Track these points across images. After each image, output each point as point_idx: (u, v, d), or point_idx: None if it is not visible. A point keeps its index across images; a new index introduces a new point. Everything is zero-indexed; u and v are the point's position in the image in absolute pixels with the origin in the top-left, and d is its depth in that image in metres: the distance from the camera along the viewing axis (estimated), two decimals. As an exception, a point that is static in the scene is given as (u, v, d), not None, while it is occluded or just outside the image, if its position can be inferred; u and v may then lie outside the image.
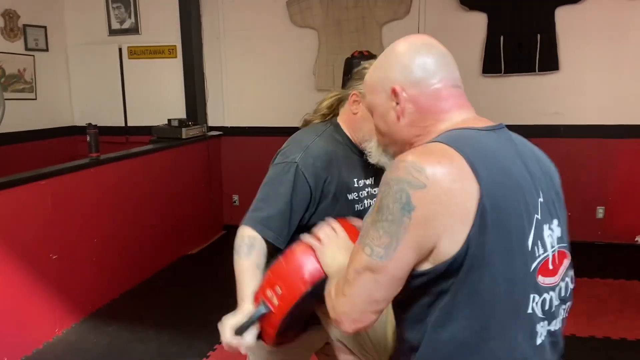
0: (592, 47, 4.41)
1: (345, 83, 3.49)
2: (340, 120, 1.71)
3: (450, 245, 0.94)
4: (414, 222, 0.93)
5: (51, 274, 3.12)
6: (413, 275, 0.99)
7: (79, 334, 3.23)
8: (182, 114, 5.12)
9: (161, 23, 5.12)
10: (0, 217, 2.77)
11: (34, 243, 3.00)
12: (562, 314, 1.09)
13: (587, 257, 4.40)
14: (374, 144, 1.50)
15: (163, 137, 4.68)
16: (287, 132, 5.73)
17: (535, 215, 1.01)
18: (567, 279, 1.09)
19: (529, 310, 1.00)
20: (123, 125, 5.27)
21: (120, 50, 5.20)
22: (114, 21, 5.18)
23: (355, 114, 1.64)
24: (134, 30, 5.16)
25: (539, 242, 1.02)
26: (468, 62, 4.64)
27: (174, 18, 5.05)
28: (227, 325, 1.30)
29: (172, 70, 5.15)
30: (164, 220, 4.31)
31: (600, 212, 4.62)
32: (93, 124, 3.48)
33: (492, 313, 0.98)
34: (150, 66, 5.19)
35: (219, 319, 1.38)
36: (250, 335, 1.28)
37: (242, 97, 5.20)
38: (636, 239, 4.59)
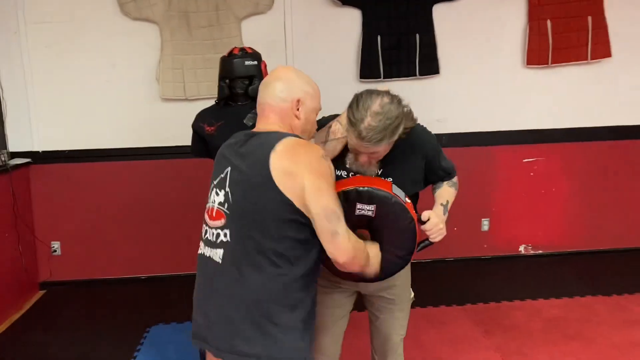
0: (471, 48, 4.10)
1: (223, 88, 2.58)
2: None
3: None
4: None
5: None
6: None
7: None
8: (-33, 137, 3.69)
9: None
10: None
11: None
12: (216, 254, 1.58)
13: (474, 274, 4.11)
14: None
15: (-61, 172, 3.25)
16: (125, 155, 4.48)
17: (213, 182, 1.65)
18: (220, 232, 1.57)
19: (203, 232, 1.66)
20: None
21: None
22: None
23: None
24: None
25: (210, 197, 1.64)
26: (343, 66, 4.04)
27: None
28: None
29: (-53, 77, 3.67)
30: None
31: (485, 224, 4.35)
32: None
33: None
34: None
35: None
36: None
37: (57, 112, 3.91)
38: (519, 249, 4.42)
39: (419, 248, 1.83)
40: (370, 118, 1.65)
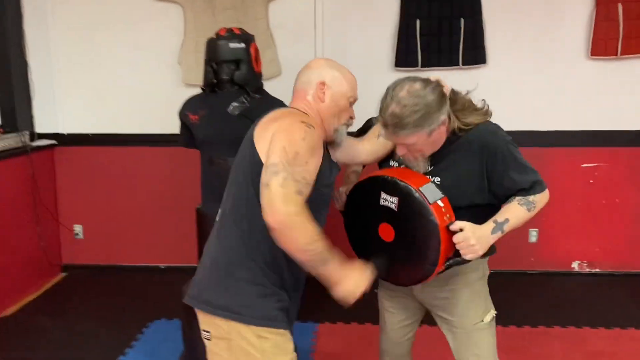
0: (524, 35, 3.62)
1: (208, 73, 2.36)
2: None
3: None
4: None
5: None
6: None
7: None
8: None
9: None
10: None
11: None
12: (218, 214, 1.61)
13: (514, 290, 3.66)
14: None
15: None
16: (149, 140, 4.29)
17: None
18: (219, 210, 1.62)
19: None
20: None
21: None
22: None
23: None
24: None
25: None
26: (378, 52, 3.70)
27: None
28: None
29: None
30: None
31: (533, 235, 3.87)
32: None
33: None
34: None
35: None
36: None
37: (83, 95, 3.86)
38: (572, 266, 3.90)
39: (447, 263, 1.58)
40: (395, 105, 1.53)
